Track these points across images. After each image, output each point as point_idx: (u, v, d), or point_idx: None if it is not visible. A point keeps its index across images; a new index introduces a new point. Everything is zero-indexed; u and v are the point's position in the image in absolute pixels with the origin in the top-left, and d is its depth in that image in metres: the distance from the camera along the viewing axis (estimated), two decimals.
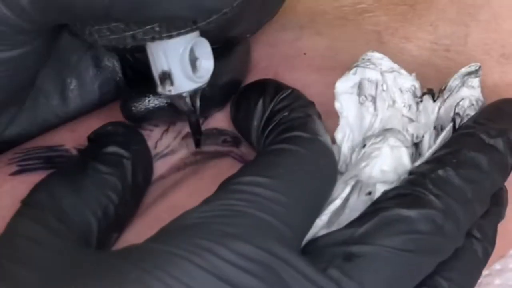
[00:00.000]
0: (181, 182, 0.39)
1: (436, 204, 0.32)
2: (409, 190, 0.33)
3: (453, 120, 0.37)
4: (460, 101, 0.38)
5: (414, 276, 0.32)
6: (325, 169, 0.34)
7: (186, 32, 0.33)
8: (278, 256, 0.30)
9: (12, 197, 0.36)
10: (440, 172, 0.33)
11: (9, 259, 0.31)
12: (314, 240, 0.32)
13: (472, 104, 0.38)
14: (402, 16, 0.42)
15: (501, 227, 0.36)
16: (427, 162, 0.35)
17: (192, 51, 0.35)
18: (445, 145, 0.35)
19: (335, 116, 0.37)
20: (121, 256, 0.30)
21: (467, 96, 0.38)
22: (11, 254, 0.31)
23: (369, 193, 0.35)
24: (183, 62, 0.34)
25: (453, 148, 0.35)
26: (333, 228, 0.33)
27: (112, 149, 0.36)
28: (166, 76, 0.35)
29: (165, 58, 0.34)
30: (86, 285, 0.29)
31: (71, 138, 0.40)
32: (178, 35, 0.33)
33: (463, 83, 0.38)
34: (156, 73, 0.35)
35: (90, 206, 0.34)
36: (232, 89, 0.40)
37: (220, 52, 0.37)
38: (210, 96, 0.37)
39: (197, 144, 0.40)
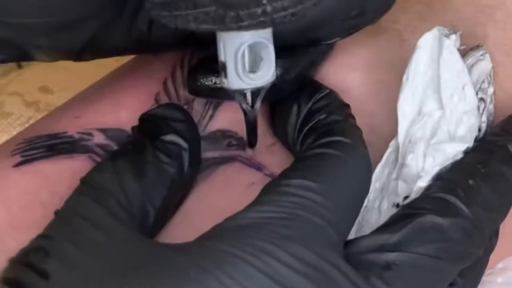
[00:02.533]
0: (192, 189, 0.38)
1: (467, 213, 0.32)
2: (441, 197, 0.33)
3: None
4: (481, 85, 0.38)
5: (443, 281, 0.32)
6: (364, 176, 0.33)
7: (219, 30, 0.30)
8: (329, 261, 0.29)
9: (17, 188, 0.36)
10: (471, 181, 0.33)
11: (69, 240, 0.30)
12: (349, 244, 0.31)
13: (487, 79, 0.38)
14: (419, 15, 0.41)
15: (505, 228, 0.36)
16: (456, 168, 0.35)
17: (257, 53, 0.33)
18: (474, 151, 0.36)
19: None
20: (181, 252, 0.29)
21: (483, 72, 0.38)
22: (71, 235, 0.30)
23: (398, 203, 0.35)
24: (236, 59, 0.32)
25: (482, 157, 0.35)
26: (365, 228, 0.33)
27: (171, 137, 0.35)
28: (222, 68, 0.33)
29: (223, 49, 0.32)
30: (147, 278, 0.28)
31: (75, 124, 0.38)
32: (215, 30, 0.30)
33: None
34: (218, 60, 0.33)
35: (150, 195, 0.33)
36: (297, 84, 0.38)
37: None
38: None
39: (251, 143, 0.38)
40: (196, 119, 0.39)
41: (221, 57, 0.33)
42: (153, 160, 0.34)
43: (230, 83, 0.33)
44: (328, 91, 0.37)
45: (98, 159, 0.37)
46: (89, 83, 0.61)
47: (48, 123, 0.39)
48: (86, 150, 0.37)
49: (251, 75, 0.33)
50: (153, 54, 0.40)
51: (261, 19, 0.29)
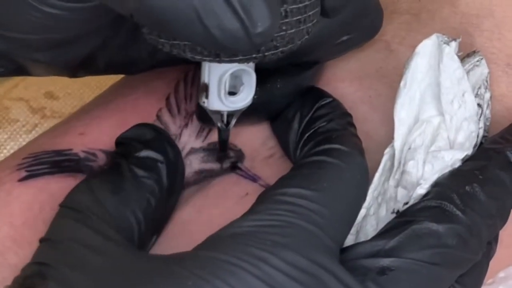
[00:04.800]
0: (188, 199, 0.38)
1: (463, 219, 0.32)
2: (437, 203, 0.32)
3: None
4: (477, 91, 0.38)
5: (439, 287, 0.32)
6: (361, 184, 0.34)
7: (213, 61, 0.31)
8: (324, 266, 0.29)
9: (21, 203, 0.36)
10: (467, 188, 0.33)
11: (62, 263, 0.30)
12: (345, 250, 0.32)
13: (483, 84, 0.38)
14: (407, 25, 0.42)
15: (506, 238, 0.37)
16: (453, 174, 0.34)
17: (238, 77, 0.34)
18: (472, 158, 0.35)
19: None
20: (177, 263, 0.29)
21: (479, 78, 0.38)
22: (63, 257, 0.30)
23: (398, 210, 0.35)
24: (220, 83, 0.33)
25: (480, 163, 0.35)
26: (361, 236, 0.34)
27: (145, 153, 0.35)
28: (204, 89, 0.34)
29: (207, 72, 0.33)
30: None
31: (80, 142, 0.38)
32: (208, 61, 0.31)
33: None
34: (201, 80, 0.34)
35: (131, 208, 0.33)
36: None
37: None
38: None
39: (220, 159, 0.39)
40: (196, 130, 0.39)
41: (205, 79, 0.33)
42: (129, 175, 0.34)
43: (210, 104, 0.34)
44: (331, 99, 0.38)
45: None
46: (93, 89, 0.61)
47: (53, 138, 0.39)
48: (90, 171, 0.37)
49: (231, 98, 0.34)
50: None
51: (254, 55, 0.30)
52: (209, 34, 0.25)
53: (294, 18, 0.29)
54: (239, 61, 0.30)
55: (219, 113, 0.35)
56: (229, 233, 0.30)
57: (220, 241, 0.30)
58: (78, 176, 0.37)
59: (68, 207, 0.33)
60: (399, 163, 0.36)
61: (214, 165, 0.39)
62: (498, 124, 0.38)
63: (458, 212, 0.32)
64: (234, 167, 0.39)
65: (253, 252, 0.29)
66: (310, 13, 0.30)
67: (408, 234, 0.31)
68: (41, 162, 0.37)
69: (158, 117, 0.39)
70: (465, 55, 0.39)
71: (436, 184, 0.34)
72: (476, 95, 0.38)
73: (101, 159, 0.38)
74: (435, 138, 0.36)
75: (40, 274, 0.30)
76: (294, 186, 0.32)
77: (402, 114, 0.36)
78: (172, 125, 0.39)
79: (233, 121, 0.36)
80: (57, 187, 0.36)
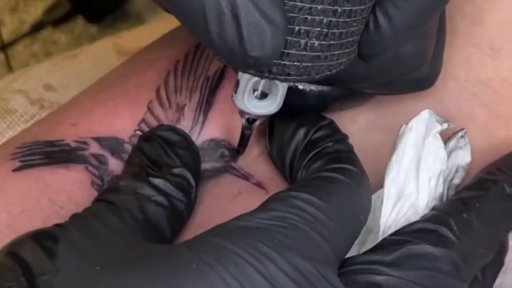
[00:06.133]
0: None
1: (459, 246, 0.32)
2: (434, 227, 0.33)
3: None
4: (453, 175, 0.38)
5: None
6: (366, 206, 0.33)
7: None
8: (326, 278, 0.29)
9: (17, 193, 0.36)
10: (465, 215, 0.33)
11: (79, 230, 0.31)
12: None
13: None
14: None
15: None
16: (452, 201, 0.34)
17: (268, 85, 0.34)
18: (469, 187, 0.35)
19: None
20: (186, 246, 0.29)
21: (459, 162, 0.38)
22: (83, 228, 0.31)
23: None
24: (246, 86, 0.33)
25: (478, 193, 0.35)
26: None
27: (181, 171, 0.36)
28: (236, 84, 0.34)
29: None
30: (151, 267, 0.28)
31: (72, 132, 0.38)
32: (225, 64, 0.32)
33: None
34: (237, 76, 0.34)
35: (163, 224, 0.35)
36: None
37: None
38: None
39: (239, 152, 0.39)
40: (188, 126, 0.39)
41: (238, 75, 0.34)
42: (169, 193, 0.35)
43: (236, 102, 0.34)
44: (329, 120, 0.38)
45: (94, 170, 0.37)
46: (87, 83, 0.62)
47: (46, 128, 0.39)
48: (82, 160, 0.37)
49: (255, 103, 0.34)
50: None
51: (265, 74, 0.31)
52: (210, 38, 0.27)
53: (312, 53, 0.30)
54: (253, 75, 0.31)
55: (243, 111, 0.35)
56: (237, 225, 0.30)
57: (229, 231, 0.30)
58: (71, 167, 0.37)
59: (107, 201, 0.34)
60: None
61: (209, 165, 0.39)
62: (487, 108, 0.40)
63: (454, 239, 0.32)
64: (228, 167, 0.39)
65: (260, 247, 0.29)
66: (336, 52, 0.30)
67: (404, 252, 0.31)
68: (34, 153, 0.38)
69: (149, 109, 0.39)
70: (452, 134, 0.39)
71: (434, 208, 0.34)
72: (450, 180, 0.38)
73: (92, 146, 0.38)
74: (410, 217, 0.36)
75: (53, 235, 0.31)
76: (305, 192, 0.31)
77: (392, 190, 0.36)
78: (164, 119, 0.39)
79: (256, 123, 0.36)
80: (52, 179, 0.37)
